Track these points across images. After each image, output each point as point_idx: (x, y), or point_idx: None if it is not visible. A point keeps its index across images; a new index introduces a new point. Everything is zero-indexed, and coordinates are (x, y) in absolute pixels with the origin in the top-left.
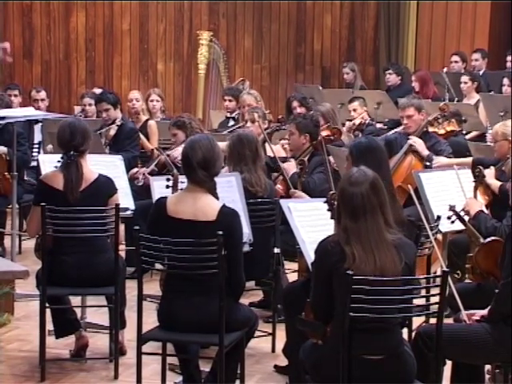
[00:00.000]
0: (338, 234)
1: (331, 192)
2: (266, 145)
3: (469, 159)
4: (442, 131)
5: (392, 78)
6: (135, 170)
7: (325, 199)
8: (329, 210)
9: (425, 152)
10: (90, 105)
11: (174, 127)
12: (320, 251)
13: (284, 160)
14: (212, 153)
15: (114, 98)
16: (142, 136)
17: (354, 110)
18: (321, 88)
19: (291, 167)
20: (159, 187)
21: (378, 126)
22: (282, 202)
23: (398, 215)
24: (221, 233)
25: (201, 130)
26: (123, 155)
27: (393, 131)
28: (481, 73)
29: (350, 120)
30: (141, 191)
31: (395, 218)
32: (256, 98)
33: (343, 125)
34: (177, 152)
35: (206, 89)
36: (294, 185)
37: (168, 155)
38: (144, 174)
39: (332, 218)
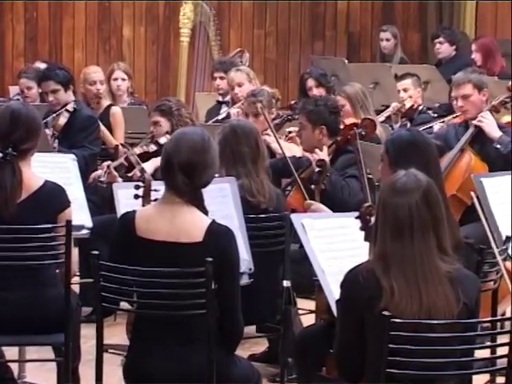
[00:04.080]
0: (374, 260)
1: (366, 204)
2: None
3: None
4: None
5: (444, 49)
6: (99, 172)
7: (357, 214)
8: (362, 228)
9: (494, 133)
10: (28, 88)
11: (157, 113)
12: (348, 284)
13: (298, 160)
14: (201, 157)
15: (65, 75)
16: (103, 127)
17: (405, 91)
18: (346, 62)
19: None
20: (125, 197)
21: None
22: (294, 217)
23: (454, 236)
24: (210, 259)
25: (191, 120)
26: (77, 153)
27: (441, 121)
28: None
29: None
30: (102, 203)
31: (450, 240)
32: (248, 76)
33: (378, 113)
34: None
35: (189, 63)
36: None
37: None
38: (109, 168)
39: (367, 239)
